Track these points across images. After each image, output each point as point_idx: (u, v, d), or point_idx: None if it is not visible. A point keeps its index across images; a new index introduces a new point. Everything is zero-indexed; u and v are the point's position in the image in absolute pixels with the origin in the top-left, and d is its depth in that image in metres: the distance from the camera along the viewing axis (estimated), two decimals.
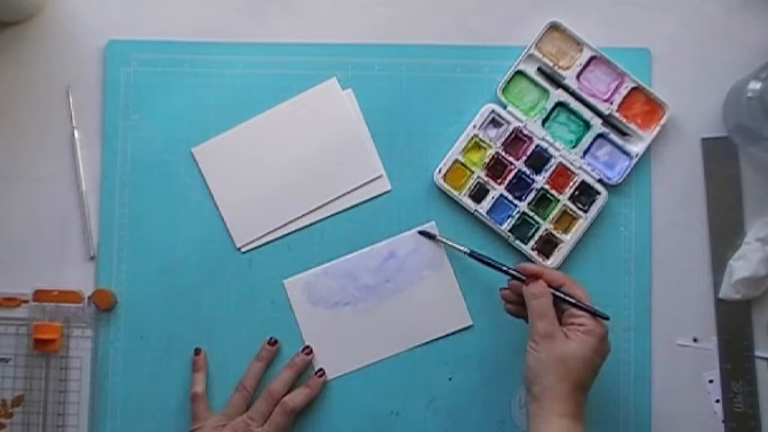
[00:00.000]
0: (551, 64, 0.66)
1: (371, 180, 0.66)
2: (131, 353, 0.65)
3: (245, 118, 0.66)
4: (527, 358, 0.55)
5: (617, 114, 0.65)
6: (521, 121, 0.65)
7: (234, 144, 0.66)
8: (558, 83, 0.66)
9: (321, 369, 0.65)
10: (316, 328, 0.66)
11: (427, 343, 0.66)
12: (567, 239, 0.65)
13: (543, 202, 0.65)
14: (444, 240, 0.65)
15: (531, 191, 0.65)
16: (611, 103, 0.65)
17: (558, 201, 0.65)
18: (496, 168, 0.66)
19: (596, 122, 0.66)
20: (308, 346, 0.65)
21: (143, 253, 0.66)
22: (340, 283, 0.66)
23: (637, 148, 0.65)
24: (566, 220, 0.65)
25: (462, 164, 0.65)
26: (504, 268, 0.61)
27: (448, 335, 0.65)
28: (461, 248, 0.63)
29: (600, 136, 0.66)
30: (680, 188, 0.66)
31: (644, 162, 0.66)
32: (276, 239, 0.66)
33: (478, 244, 0.65)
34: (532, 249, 0.65)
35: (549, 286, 0.58)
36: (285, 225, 0.66)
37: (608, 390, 0.64)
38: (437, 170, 0.65)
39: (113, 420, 0.65)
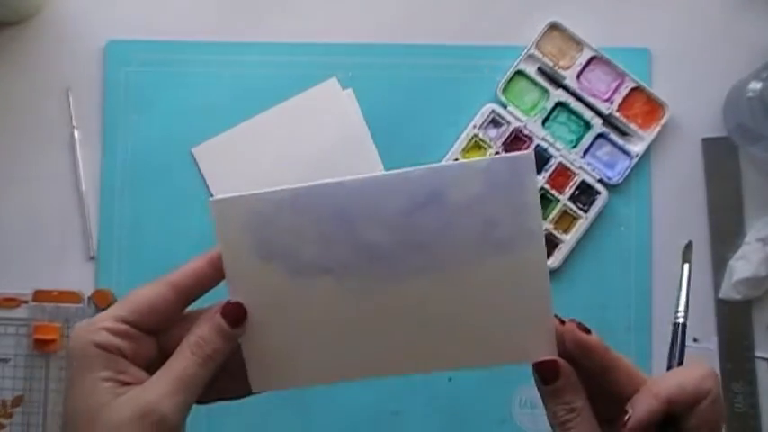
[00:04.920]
0: (551, 64, 0.66)
1: None
2: None
3: (245, 118, 0.66)
4: None
5: (617, 114, 0.65)
6: (521, 121, 0.65)
7: (234, 144, 0.66)
8: (558, 83, 0.66)
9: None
10: (262, 301, 0.37)
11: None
12: (568, 239, 0.65)
13: (543, 202, 0.65)
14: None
15: None
16: (612, 103, 0.65)
17: (559, 201, 0.65)
18: None
19: (596, 122, 0.66)
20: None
21: (143, 253, 0.66)
22: (322, 230, 0.36)
23: (637, 147, 0.65)
24: (566, 219, 0.65)
25: None
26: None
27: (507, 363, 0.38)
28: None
29: (600, 136, 0.66)
30: (680, 188, 0.66)
31: (644, 162, 0.66)
32: None
33: None
34: None
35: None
36: None
37: None
38: None
39: None
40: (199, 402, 0.37)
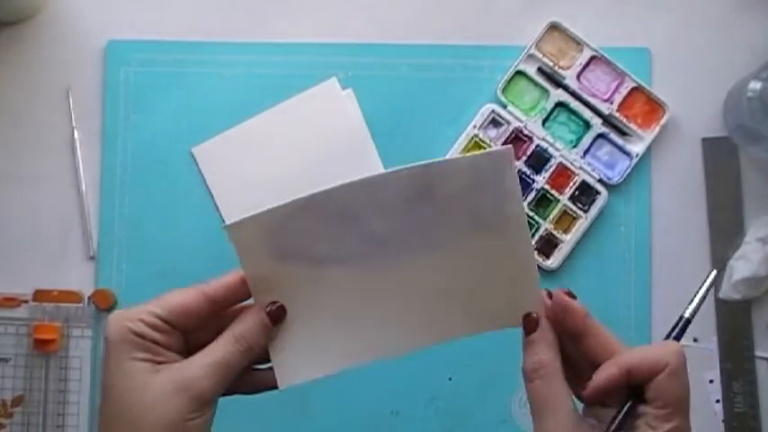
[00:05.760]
0: (551, 64, 0.66)
1: None
2: None
3: (245, 118, 0.66)
4: None
5: (617, 114, 0.65)
6: (521, 121, 0.65)
7: (234, 144, 0.66)
8: (558, 83, 0.66)
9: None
10: (286, 303, 0.40)
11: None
12: (568, 239, 0.65)
13: (543, 202, 0.65)
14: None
15: (532, 191, 0.65)
16: (612, 103, 0.65)
17: (559, 201, 0.65)
18: None
19: (596, 122, 0.66)
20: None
21: (143, 253, 0.66)
22: (330, 228, 0.39)
23: (637, 148, 0.65)
24: (566, 220, 0.65)
25: None
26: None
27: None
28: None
29: (600, 136, 0.66)
30: (680, 188, 0.66)
31: (644, 162, 0.66)
32: None
33: None
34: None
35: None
36: None
37: None
38: None
39: None
40: None
